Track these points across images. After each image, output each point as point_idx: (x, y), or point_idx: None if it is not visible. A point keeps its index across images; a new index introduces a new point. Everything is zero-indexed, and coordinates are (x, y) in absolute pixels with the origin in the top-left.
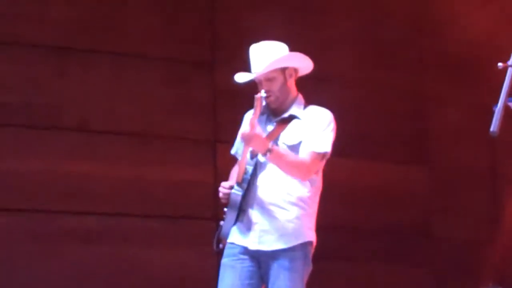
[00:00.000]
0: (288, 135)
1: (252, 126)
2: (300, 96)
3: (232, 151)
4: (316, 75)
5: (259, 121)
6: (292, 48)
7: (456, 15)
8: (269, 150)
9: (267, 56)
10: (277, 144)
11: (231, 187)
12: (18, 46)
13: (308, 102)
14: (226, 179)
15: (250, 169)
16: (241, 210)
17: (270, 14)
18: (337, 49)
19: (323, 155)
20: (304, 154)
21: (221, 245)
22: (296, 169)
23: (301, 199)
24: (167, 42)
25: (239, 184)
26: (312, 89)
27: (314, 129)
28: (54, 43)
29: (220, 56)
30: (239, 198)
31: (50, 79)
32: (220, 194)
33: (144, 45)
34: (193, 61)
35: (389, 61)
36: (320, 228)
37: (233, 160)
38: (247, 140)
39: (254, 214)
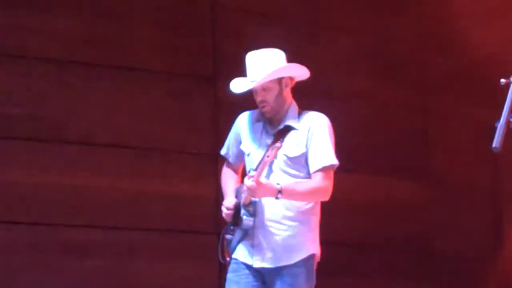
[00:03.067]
0: (288, 146)
1: (260, 172)
2: (294, 104)
3: (223, 152)
4: (321, 90)
5: (255, 130)
6: (294, 62)
7: (462, 33)
8: (279, 192)
9: (265, 65)
10: (276, 157)
11: (236, 206)
12: (23, 59)
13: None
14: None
15: None
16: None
17: (273, 29)
18: (343, 64)
19: (332, 166)
20: (314, 175)
21: (228, 258)
22: (313, 194)
23: (301, 213)
24: (169, 56)
25: (245, 207)
26: (316, 104)
27: (314, 143)
28: (58, 57)
29: (222, 70)
30: (251, 224)
31: (54, 92)
32: (224, 215)
33: (146, 59)
34: (195, 75)
35: (394, 77)
36: (322, 243)
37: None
38: (254, 193)
39: (257, 232)
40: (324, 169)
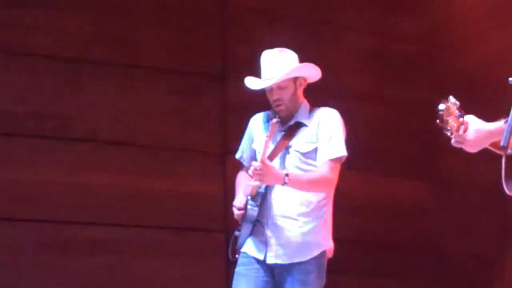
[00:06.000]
0: (300, 142)
1: (263, 154)
2: (305, 102)
3: (237, 155)
4: (328, 90)
5: (267, 128)
6: (304, 62)
7: (470, 33)
8: (286, 175)
9: (281, 64)
10: (289, 153)
11: (246, 203)
12: (30, 57)
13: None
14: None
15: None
16: (256, 223)
17: (281, 27)
18: (350, 64)
19: (340, 159)
20: (322, 165)
21: (237, 256)
22: (318, 184)
23: (316, 209)
24: (177, 54)
25: (253, 198)
26: (325, 103)
27: (324, 134)
28: (65, 54)
29: (230, 69)
30: (255, 214)
31: (61, 90)
32: (235, 216)
33: (154, 57)
34: (203, 73)
35: (403, 77)
36: (332, 241)
37: (241, 166)
38: (261, 178)
39: (269, 228)
40: (331, 161)
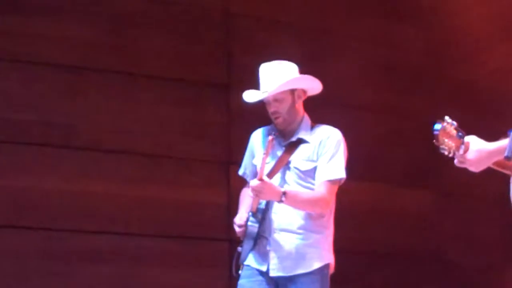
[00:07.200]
0: (300, 160)
1: (261, 171)
2: (306, 117)
3: (240, 172)
4: (332, 99)
5: (267, 143)
6: (307, 72)
7: (475, 45)
8: (284, 194)
9: (278, 77)
10: (289, 169)
11: (247, 220)
12: (33, 65)
13: (317, 122)
14: (238, 201)
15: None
16: (258, 238)
17: (285, 37)
18: (355, 74)
19: (338, 181)
20: (319, 185)
21: (240, 271)
22: (314, 204)
23: (317, 223)
24: (181, 63)
25: (254, 214)
26: (327, 113)
27: (325, 154)
28: (69, 63)
29: (235, 78)
30: (255, 230)
31: (64, 99)
32: (237, 232)
33: (158, 66)
34: (207, 83)
35: (406, 87)
36: (334, 251)
37: (245, 181)
38: (259, 194)
39: (272, 241)
40: (329, 182)
